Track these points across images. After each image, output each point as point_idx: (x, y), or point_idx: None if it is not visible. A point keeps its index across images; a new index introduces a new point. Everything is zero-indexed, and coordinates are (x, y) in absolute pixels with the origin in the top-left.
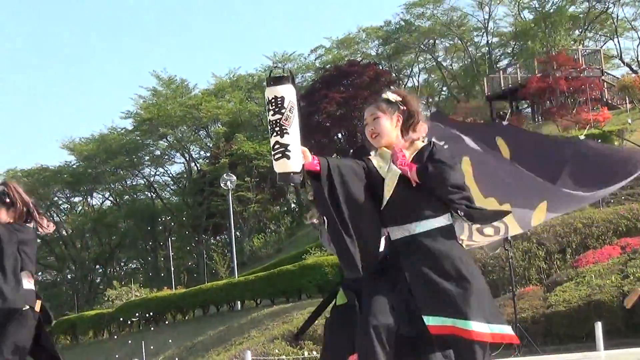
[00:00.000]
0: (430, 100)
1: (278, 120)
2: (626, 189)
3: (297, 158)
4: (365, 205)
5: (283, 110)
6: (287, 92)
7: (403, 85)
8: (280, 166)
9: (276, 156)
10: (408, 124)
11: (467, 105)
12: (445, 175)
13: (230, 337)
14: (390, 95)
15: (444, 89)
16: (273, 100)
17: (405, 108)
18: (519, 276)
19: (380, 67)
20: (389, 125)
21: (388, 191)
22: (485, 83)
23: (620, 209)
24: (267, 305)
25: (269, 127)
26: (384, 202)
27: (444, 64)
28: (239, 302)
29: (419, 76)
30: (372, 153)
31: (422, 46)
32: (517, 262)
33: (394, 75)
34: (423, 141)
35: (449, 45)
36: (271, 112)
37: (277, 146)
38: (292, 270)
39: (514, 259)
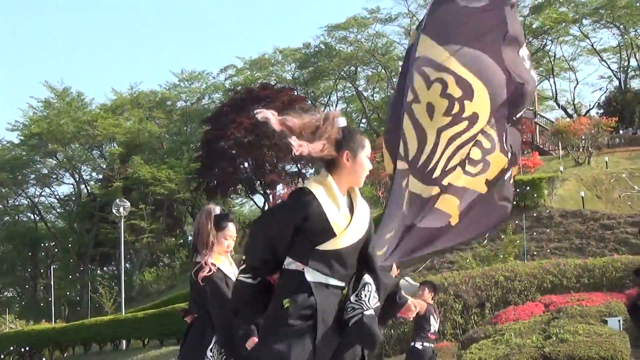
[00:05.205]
0: None
1: None
2: (553, 241)
3: None
4: None
5: None
6: None
7: None
8: None
9: None
10: None
11: None
12: None
13: None
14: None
15: (363, 120)
16: None
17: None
18: None
19: (296, 93)
20: None
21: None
22: None
23: (546, 263)
24: (155, 346)
25: None
26: None
27: (365, 94)
28: (124, 341)
29: (336, 105)
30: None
31: (342, 73)
32: None
33: (309, 102)
34: None
35: (371, 74)
36: None
37: None
38: (185, 309)
39: None
